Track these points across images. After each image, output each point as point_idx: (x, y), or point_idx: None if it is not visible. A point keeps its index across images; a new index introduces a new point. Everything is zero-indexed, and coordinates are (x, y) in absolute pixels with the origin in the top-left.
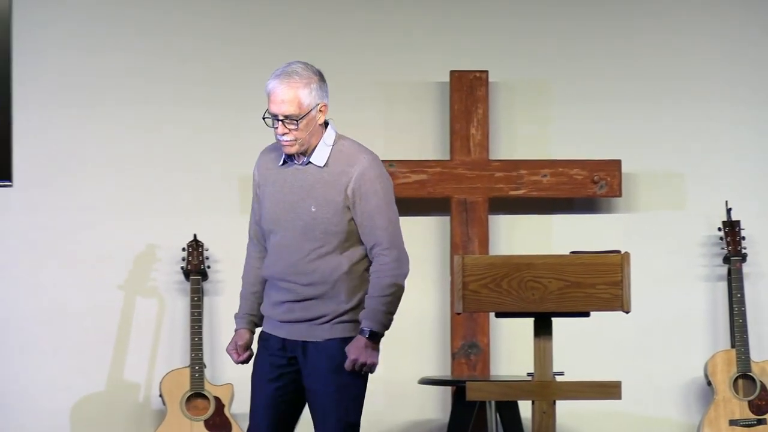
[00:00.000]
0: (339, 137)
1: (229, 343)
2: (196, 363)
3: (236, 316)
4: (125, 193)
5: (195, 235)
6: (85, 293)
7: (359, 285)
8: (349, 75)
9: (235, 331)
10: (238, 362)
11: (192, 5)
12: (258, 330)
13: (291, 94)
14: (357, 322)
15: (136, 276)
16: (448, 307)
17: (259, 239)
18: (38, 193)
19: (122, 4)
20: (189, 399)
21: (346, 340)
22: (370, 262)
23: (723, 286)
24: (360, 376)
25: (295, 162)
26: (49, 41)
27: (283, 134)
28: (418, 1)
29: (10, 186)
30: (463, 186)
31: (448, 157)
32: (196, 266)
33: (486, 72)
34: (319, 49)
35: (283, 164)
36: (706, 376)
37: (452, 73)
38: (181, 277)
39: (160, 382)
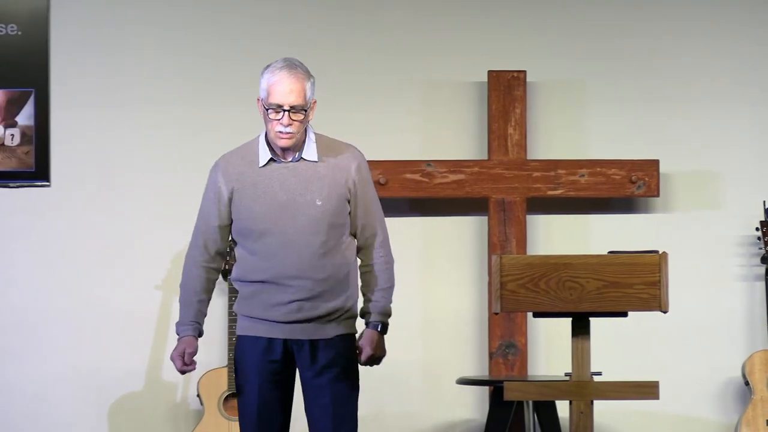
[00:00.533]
0: (315, 133)
1: (175, 350)
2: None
3: (180, 324)
4: (163, 192)
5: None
6: (123, 293)
7: (356, 279)
8: (388, 75)
9: (180, 338)
10: (183, 371)
11: (232, 6)
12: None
13: (299, 86)
14: (354, 317)
15: (174, 276)
16: (485, 307)
17: (209, 247)
18: (76, 193)
19: (161, 5)
20: (226, 399)
21: (348, 336)
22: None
23: (761, 286)
24: (357, 372)
25: (281, 160)
26: (87, 42)
27: (288, 125)
28: (457, 2)
29: (48, 186)
30: (501, 186)
31: (486, 157)
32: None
33: (524, 72)
34: (357, 49)
35: (265, 164)
36: (744, 376)
37: (490, 73)
38: (219, 276)
39: (198, 382)
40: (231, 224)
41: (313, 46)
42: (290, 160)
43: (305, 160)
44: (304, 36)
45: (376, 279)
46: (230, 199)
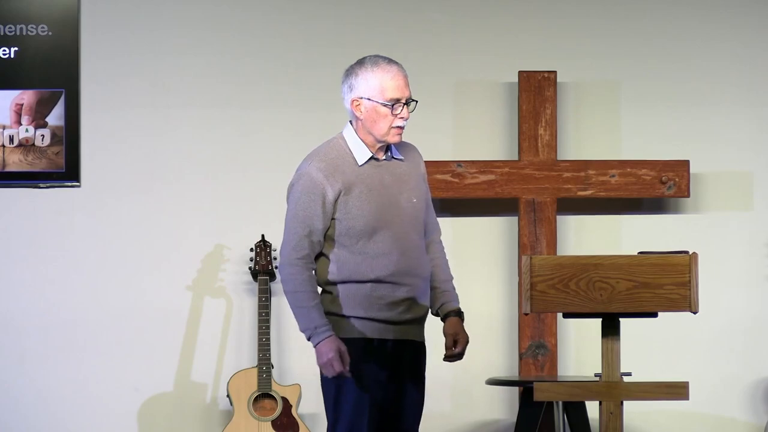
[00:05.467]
0: None
1: (329, 353)
2: (264, 363)
3: (317, 327)
4: (193, 193)
5: (263, 236)
6: (154, 293)
7: None
8: (418, 75)
9: (324, 339)
10: (344, 374)
11: (263, 6)
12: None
13: (407, 79)
14: None
15: (204, 276)
16: (515, 308)
17: (314, 249)
18: (106, 193)
19: (190, 5)
20: (256, 399)
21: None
22: None
23: None
24: None
25: (376, 158)
26: (117, 43)
27: (406, 119)
28: (487, 2)
29: (78, 187)
30: (531, 186)
31: (516, 158)
32: (264, 266)
33: (554, 72)
34: (388, 50)
35: (364, 163)
36: None
37: (521, 73)
38: (249, 277)
39: (228, 383)
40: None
41: (345, 46)
42: (383, 158)
43: (395, 158)
44: (338, 36)
45: (445, 271)
46: (336, 200)
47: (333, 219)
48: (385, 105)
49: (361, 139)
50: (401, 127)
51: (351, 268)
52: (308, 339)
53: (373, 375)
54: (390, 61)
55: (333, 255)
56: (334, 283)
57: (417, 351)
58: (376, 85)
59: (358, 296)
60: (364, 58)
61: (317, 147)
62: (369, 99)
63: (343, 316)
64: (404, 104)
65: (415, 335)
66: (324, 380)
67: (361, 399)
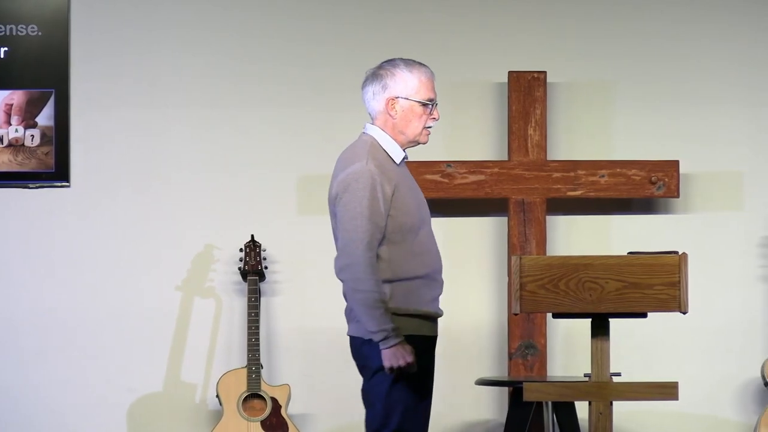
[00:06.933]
0: None
1: (412, 358)
2: (253, 363)
3: (393, 329)
4: (183, 193)
5: (252, 236)
6: (143, 293)
7: None
8: None
9: (401, 341)
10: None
11: (251, 5)
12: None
13: None
14: None
15: (193, 276)
16: (505, 308)
17: (376, 248)
18: (96, 194)
19: (180, 7)
20: (246, 399)
21: None
22: None
23: None
24: None
25: (406, 158)
26: (106, 43)
27: (437, 120)
28: (477, 2)
29: (67, 187)
30: (521, 186)
31: (506, 158)
32: (253, 267)
33: (544, 72)
34: (377, 49)
35: (399, 163)
36: (763, 376)
37: (510, 73)
38: (239, 277)
39: (217, 383)
40: None
41: (333, 45)
42: (404, 158)
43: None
44: (326, 36)
45: None
46: (391, 197)
47: (388, 216)
48: (423, 104)
49: (393, 139)
50: (431, 128)
51: (401, 265)
52: (381, 340)
53: (430, 372)
54: (420, 62)
55: (383, 252)
56: (389, 281)
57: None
58: (414, 84)
59: (409, 294)
60: (393, 59)
61: (356, 147)
62: (406, 98)
63: (396, 314)
64: (436, 105)
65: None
66: (377, 380)
67: (419, 398)
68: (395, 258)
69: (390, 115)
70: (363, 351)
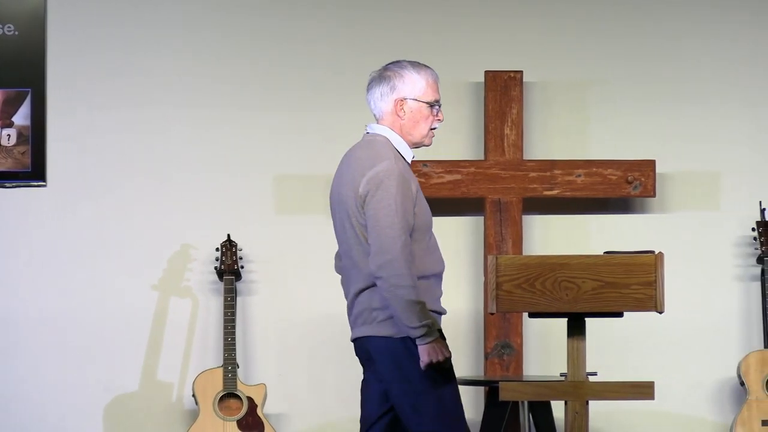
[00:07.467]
0: None
1: (446, 349)
2: (229, 363)
3: (433, 324)
4: (159, 193)
5: (229, 235)
6: (120, 293)
7: None
8: None
9: (440, 337)
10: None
11: (228, 5)
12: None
13: None
14: None
15: (170, 276)
16: (481, 308)
17: None
18: (72, 193)
19: (157, 7)
20: (222, 399)
21: None
22: None
23: (757, 286)
24: None
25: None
26: (84, 43)
27: (441, 121)
28: (453, 2)
29: (44, 186)
30: (497, 186)
31: (482, 157)
32: (229, 266)
33: (521, 72)
34: (353, 48)
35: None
36: (739, 376)
37: (487, 73)
38: (215, 277)
39: (193, 382)
40: None
41: (307, 45)
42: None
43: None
44: (301, 36)
45: None
46: (416, 196)
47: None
48: (430, 105)
49: (402, 140)
50: (435, 129)
51: (423, 263)
52: (421, 335)
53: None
54: (425, 64)
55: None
56: (419, 277)
57: None
58: (422, 86)
59: (427, 291)
60: (399, 61)
61: (375, 146)
62: (414, 99)
63: (432, 310)
64: (440, 107)
65: None
66: (420, 378)
67: (455, 389)
68: (417, 255)
69: (398, 116)
70: (397, 351)
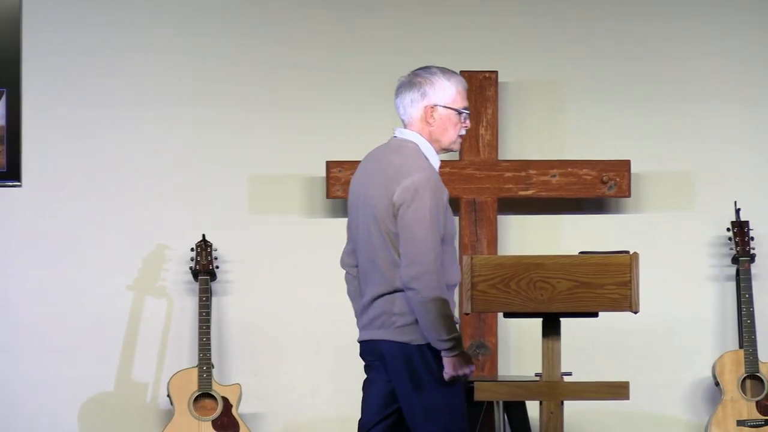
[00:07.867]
0: None
1: (471, 363)
2: (204, 363)
3: (460, 338)
4: (134, 193)
5: (204, 235)
6: (94, 293)
7: None
8: (358, 75)
9: (463, 352)
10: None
11: (209, 4)
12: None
13: None
14: None
15: (145, 276)
16: (456, 308)
17: None
18: (47, 193)
19: (133, 5)
20: (197, 399)
21: None
22: None
23: (731, 286)
24: None
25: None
26: (59, 42)
27: (468, 128)
28: (427, 2)
29: (19, 186)
30: (472, 186)
31: (457, 158)
32: (204, 266)
33: (495, 72)
34: (328, 49)
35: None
36: (714, 376)
37: (462, 73)
38: (190, 277)
39: (168, 382)
40: None
41: (285, 45)
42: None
43: None
44: (279, 35)
45: None
46: (445, 205)
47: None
48: (459, 112)
49: (431, 146)
50: (462, 135)
51: (448, 272)
52: (450, 348)
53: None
54: (453, 71)
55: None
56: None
57: None
58: (453, 93)
59: (450, 300)
60: (428, 66)
61: (406, 152)
62: (444, 106)
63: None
64: (468, 113)
65: None
66: (433, 387)
67: (463, 401)
68: (444, 265)
69: (428, 123)
70: (412, 358)
